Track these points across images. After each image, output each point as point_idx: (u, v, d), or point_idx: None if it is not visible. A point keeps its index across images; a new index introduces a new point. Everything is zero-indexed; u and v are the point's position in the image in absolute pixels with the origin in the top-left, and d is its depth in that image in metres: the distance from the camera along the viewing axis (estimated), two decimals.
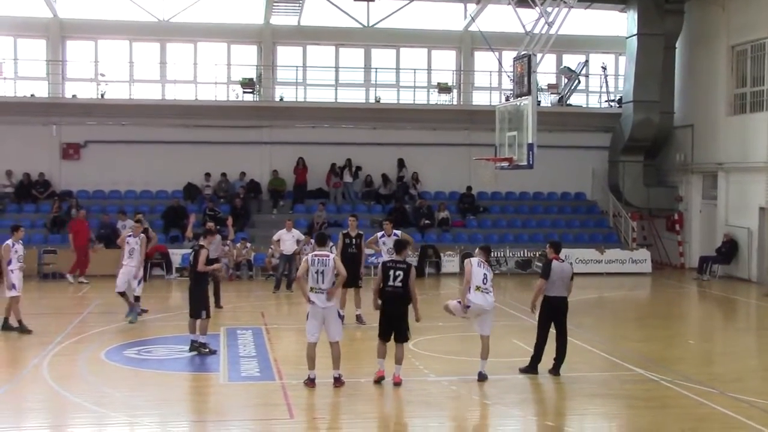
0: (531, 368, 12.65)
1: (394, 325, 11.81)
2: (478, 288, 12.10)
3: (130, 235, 17.30)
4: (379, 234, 17.02)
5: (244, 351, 14.22)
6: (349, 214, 19.43)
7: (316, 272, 11.61)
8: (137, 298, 17.19)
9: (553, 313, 12.57)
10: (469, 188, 29.03)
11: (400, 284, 11.74)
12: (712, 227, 27.42)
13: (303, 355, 11.84)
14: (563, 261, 12.79)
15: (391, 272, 11.80)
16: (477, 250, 12.70)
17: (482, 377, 12.17)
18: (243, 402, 11.32)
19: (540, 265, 25.86)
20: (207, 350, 13.79)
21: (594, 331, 16.48)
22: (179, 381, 12.56)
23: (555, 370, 12.60)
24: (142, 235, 17.44)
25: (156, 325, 16.92)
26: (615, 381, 12.55)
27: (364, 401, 11.31)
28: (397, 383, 11.85)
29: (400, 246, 12.26)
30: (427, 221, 27.50)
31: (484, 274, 12.15)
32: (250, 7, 29.30)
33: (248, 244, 25.17)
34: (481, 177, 23.52)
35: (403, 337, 11.88)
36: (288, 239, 21.23)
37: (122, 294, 17.09)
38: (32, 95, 27.90)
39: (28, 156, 27.46)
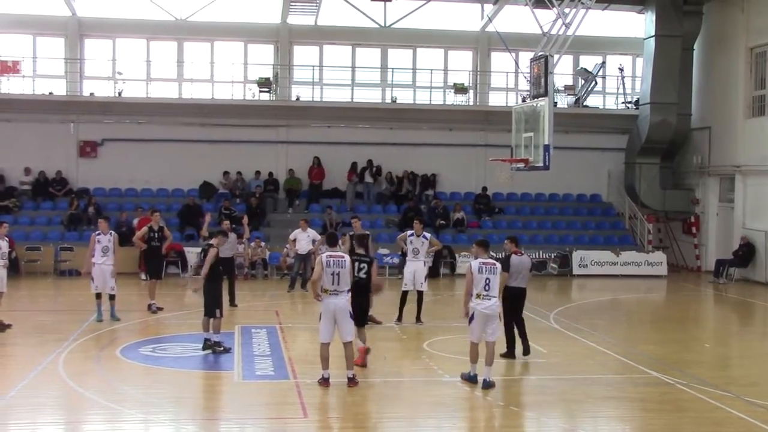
0: (509, 353, 13.64)
1: (365, 311, 12.99)
2: (479, 295, 11.80)
3: (98, 234, 16.65)
4: (408, 233, 17.07)
5: (258, 350, 14.26)
6: (351, 215, 19.45)
7: (332, 274, 11.59)
8: (113, 297, 16.79)
9: (513, 302, 13.56)
10: (485, 189, 28.99)
11: (364, 275, 12.52)
12: (728, 230, 27.25)
13: (317, 354, 11.85)
14: (522, 254, 13.88)
15: (356, 264, 12.47)
16: (474, 246, 12.43)
17: (487, 385, 11.75)
18: (257, 401, 11.34)
19: (555, 266, 26.26)
20: (222, 348, 13.84)
21: (609, 334, 16.44)
22: (194, 379, 12.61)
23: (526, 351, 13.74)
24: (114, 233, 17.06)
25: (171, 323, 17.00)
26: (629, 384, 12.52)
27: (378, 401, 11.32)
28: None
29: (361, 241, 13.02)
30: (442, 221, 27.46)
31: (486, 279, 11.80)
32: (267, 6, 29.37)
33: (262, 244, 25.24)
34: (497, 178, 23.49)
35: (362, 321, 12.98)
36: (303, 239, 21.28)
37: (99, 295, 16.66)
38: (50, 93, 28.08)
39: (46, 153, 27.68)
